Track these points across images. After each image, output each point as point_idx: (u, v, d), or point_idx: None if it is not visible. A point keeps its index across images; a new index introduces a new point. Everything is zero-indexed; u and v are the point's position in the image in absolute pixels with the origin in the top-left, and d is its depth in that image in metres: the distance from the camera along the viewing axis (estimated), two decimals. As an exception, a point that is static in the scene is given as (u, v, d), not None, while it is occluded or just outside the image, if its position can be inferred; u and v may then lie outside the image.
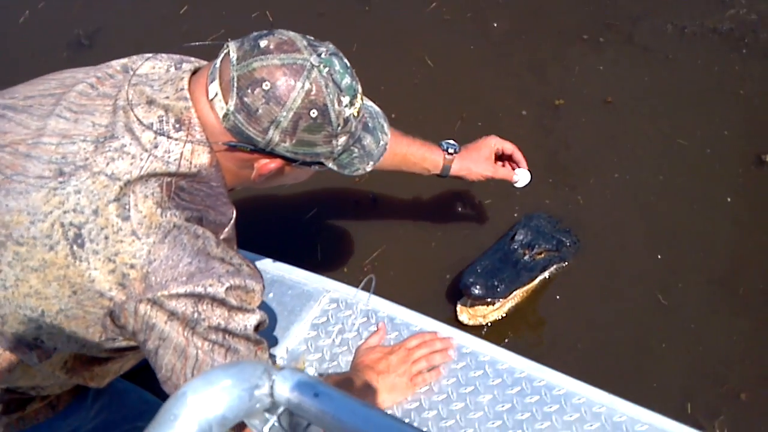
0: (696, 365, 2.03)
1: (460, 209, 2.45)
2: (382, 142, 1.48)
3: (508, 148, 2.03)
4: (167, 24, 3.22)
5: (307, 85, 1.25)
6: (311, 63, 1.26)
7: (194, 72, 1.36)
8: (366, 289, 1.81)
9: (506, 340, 2.12)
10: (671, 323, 2.10)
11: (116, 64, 1.44)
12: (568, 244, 2.25)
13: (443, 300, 2.22)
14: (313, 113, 1.27)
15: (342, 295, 1.85)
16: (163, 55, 1.46)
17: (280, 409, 0.85)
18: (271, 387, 0.84)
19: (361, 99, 1.37)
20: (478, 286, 2.03)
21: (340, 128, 1.32)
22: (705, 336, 2.07)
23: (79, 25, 3.26)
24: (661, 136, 2.50)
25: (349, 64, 1.34)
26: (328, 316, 1.82)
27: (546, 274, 2.22)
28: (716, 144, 2.45)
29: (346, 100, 1.31)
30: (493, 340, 1.74)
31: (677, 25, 2.80)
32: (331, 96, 1.28)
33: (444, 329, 1.74)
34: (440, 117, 2.63)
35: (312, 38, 1.32)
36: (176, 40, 3.10)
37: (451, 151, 1.96)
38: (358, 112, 1.36)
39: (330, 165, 1.39)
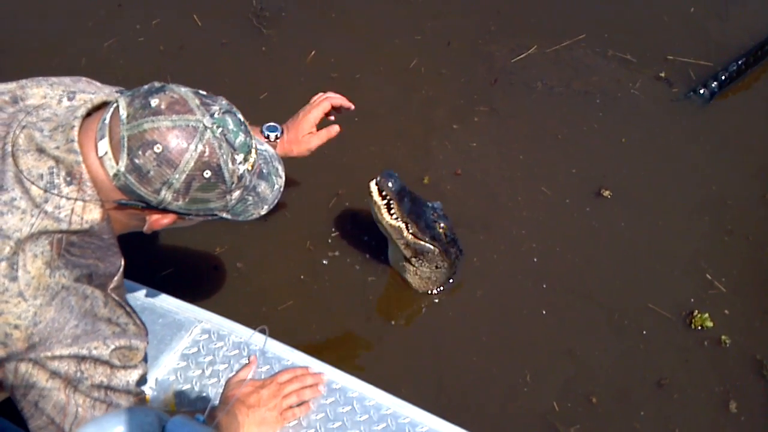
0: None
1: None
2: (276, 186, 1.51)
3: (326, 106, 2.01)
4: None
5: (200, 147, 1.25)
6: (204, 124, 1.26)
7: (87, 114, 1.32)
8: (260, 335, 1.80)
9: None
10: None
11: (5, 90, 1.39)
12: (459, 247, 2.38)
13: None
14: (207, 174, 1.28)
15: (214, 326, 1.84)
16: (54, 79, 1.42)
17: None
18: (162, 433, 0.86)
19: (255, 152, 1.39)
20: (394, 181, 2.10)
21: (234, 185, 1.34)
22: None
23: None
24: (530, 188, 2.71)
25: (242, 119, 1.35)
26: (199, 346, 1.81)
27: (435, 246, 2.25)
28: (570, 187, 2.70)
29: (240, 157, 1.32)
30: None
31: (546, 84, 3.04)
32: (224, 156, 1.29)
33: (315, 364, 1.78)
34: (315, 188, 2.63)
35: (205, 94, 1.32)
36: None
37: (272, 137, 1.95)
38: (252, 166, 1.38)
39: (224, 215, 1.41)
